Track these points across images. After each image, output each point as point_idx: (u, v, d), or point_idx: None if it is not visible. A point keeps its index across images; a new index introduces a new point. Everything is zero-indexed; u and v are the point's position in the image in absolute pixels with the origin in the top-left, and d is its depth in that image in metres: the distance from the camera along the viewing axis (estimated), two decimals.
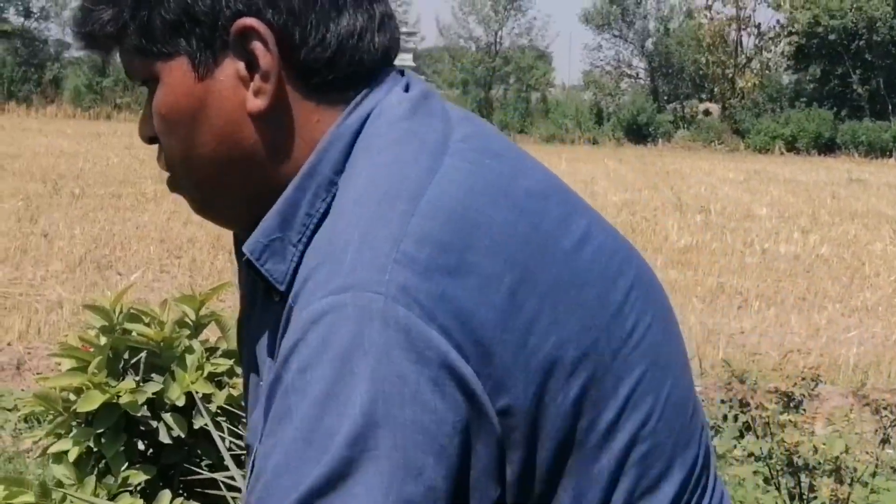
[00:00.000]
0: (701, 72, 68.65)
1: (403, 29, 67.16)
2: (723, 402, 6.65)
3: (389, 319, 1.45)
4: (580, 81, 74.73)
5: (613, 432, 1.62)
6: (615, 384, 1.62)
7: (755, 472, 6.72)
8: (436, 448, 1.44)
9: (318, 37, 1.66)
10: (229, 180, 1.71)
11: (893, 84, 63.56)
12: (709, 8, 68.33)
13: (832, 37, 63.77)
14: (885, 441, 6.66)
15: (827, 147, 58.56)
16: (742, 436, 6.55)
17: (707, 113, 67.33)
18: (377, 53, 1.72)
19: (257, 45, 1.63)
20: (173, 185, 1.78)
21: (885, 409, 6.79)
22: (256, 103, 1.66)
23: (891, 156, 55.69)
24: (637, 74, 71.99)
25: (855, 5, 62.67)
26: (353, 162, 1.65)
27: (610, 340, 1.62)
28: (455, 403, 1.46)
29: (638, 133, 62.23)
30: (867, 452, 6.42)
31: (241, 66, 1.66)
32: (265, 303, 1.72)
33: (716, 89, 68.21)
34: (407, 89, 1.74)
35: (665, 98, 68.51)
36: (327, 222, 1.62)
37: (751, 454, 6.49)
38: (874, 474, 6.48)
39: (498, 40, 69.49)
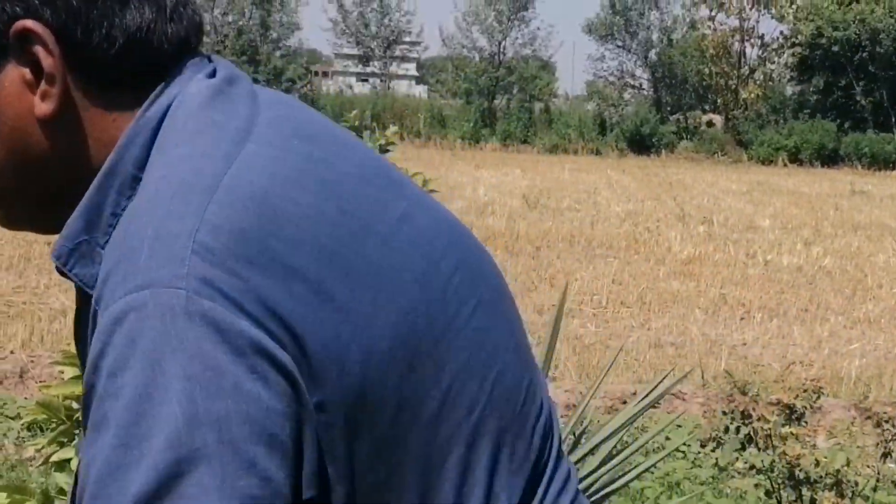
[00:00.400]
0: (704, 83, 68.79)
1: (407, 39, 67.56)
2: (724, 413, 6.66)
3: (194, 314, 1.42)
4: (583, 91, 74.85)
5: (437, 423, 1.61)
6: (437, 372, 1.60)
7: (756, 485, 6.73)
8: (265, 437, 1.42)
9: (101, 33, 1.63)
10: (27, 188, 1.68)
11: (893, 95, 63.64)
12: (712, 19, 68.38)
13: (835, 48, 63.86)
14: (886, 455, 6.67)
15: (830, 159, 58.62)
16: (744, 448, 6.56)
17: (710, 124, 67.42)
18: (172, 44, 1.69)
19: (38, 48, 1.60)
20: None
21: (887, 422, 6.80)
22: (43, 108, 1.62)
23: (894, 168, 55.76)
24: (640, 85, 72.12)
25: (858, 17, 62.78)
26: (152, 157, 1.62)
27: (430, 326, 1.61)
28: (281, 389, 1.44)
29: (641, 144, 62.27)
30: (868, 466, 6.44)
31: (26, 71, 1.62)
32: (85, 305, 1.62)
33: (719, 100, 68.35)
34: (214, 75, 1.71)
35: (668, 109, 68.61)
36: (122, 220, 1.59)
37: (752, 466, 6.51)
38: (875, 488, 6.51)
39: (501, 50, 69.61)
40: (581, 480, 2.71)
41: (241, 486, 1.39)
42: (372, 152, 1.82)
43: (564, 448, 2.78)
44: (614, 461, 2.79)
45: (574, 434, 2.78)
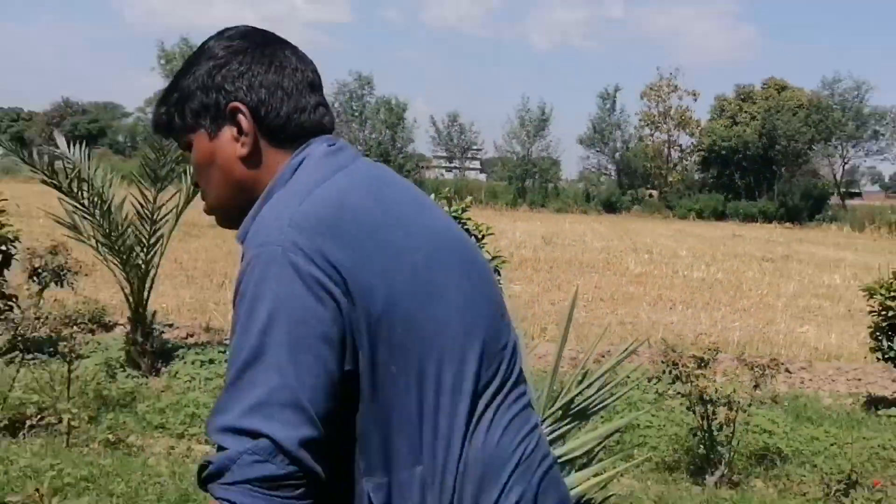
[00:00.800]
0: (647, 172, 68.44)
1: (475, 147, 66.65)
2: (662, 363, 6.69)
3: (284, 261, 1.49)
4: (577, 176, 74.50)
5: (433, 340, 1.57)
6: (432, 308, 1.58)
7: (681, 404, 6.76)
8: (319, 333, 1.48)
9: (275, 113, 1.68)
10: (230, 200, 1.73)
11: (758, 180, 63.44)
12: (651, 135, 68.33)
13: (723, 152, 63.94)
14: (756, 386, 6.68)
15: (720, 216, 58.60)
16: (674, 382, 6.58)
17: (650, 196, 67.06)
18: (311, 125, 1.72)
19: (241, 117, 1.67)
20: (208, 210, 1.80)
21: (756, 367, 6.82)
22: (242, 151, 1.68)
23: (756, 221, 55.39)
24: (610, 173, 71.74)
25: (736, 134, 63.09)
26: (288, 183, 1.66)
27: (428, 282, 1.59)
28: (330, 307, 1.49)
29: (610, 207, 62.22)
30: (745, 392, 6.45)
31: (234, 129, 1.68)
32: None
33: (656, 182, 68.14)
34: (333, 145, 1.72)
35: (626, 186, 68.24)
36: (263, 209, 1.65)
37: (679, 393, 6.53)
38: (749, 405, 6.52)
39: (529, 153, 69.36)
40: (583, 402, 2.80)
41: (301, 358, 1.46)
42: (414, 190, 1.79)
43: (577, 379, 2.83)
44: (603, 390, 2.82)
45: (582, 374, 2.83)
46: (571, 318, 2.84)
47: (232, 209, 1.74)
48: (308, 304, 1.48)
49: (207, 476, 1.44)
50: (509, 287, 8.69)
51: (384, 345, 1.53)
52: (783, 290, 18.63)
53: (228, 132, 1.69)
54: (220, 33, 1.75)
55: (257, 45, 1.73)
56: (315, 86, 1.75)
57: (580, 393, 2.76)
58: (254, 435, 1.41)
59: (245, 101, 1.68)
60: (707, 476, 6.58)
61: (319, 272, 1.49)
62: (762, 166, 64.14)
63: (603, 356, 7.84)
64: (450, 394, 1.57)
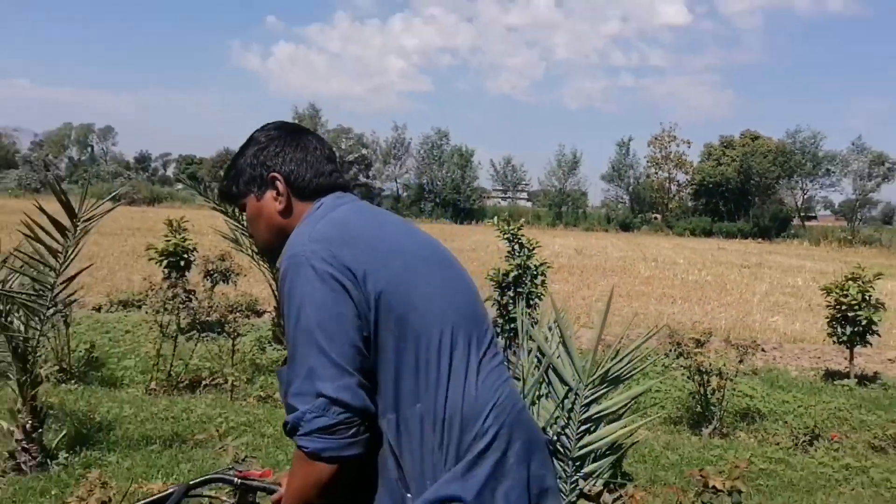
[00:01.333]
0: (653, 200, 67.69)
1: (524, 182, 66.15)
2: (669, 343, 6.59)
3: (307, 265, 1.57)
4: (600, 204, 73.84)
5: (425, 313, 1.60)
6: (420, 291, 1.62)
7: (682, 374, 6.65)
8: (336, 312, 1.54)
9: (302, 178, 1.78)
10: (274, 242, 1.77)
11: (737, 206, 62.39)
12: (656, 173, 67.57)
13: (710, 185, 62.90)
14: (740, 361, 6.54)
15: (708, 233, 57.34)
16: (678, 357, 6.47)
17: (655, 218, 66.12)
18: (329, 184, 1.80)
19: (278, 183, 1.77)
20: (259, 254, 1.93)
21: (739, 347, 6.68)
22: (279, 206, 1.78)
23: (736, 237, 54.26)
24: (625, 202, 70.87)
25: (720, 172, 62.15)
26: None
27: (415, 276, 1.63)
28: (344, 294, 1.55)
29: (626, 227, 61.37)
30: (732, 366, 6.34)
31: (273, 192, 1.78)
32: None
33: (659, 208, 67.23)
34: (341, 196, 1.80)
35: (637, 211, 67.44)
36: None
37: (681, 366, 6.42)
38: (735, 375, 6.40)
39: (564, 186, 68.97)
40: (615, 372, 2.76)
41: (328, 330, 1.52)
42: (403, 221, 1.83)
43: (611, 356, 2.78)
44: (629, 363, 2.78)
45: (615, 352, 2.79)
46: (608, 309, 2.80)
47: (275, 249, 1.77)
48: (325, 292, 1.54)
49: (289, 431, 1.52)
50: (550, 285, 8.63)
51: (386, 316, 1.57)
52: (757, 289, 18.18)
53: (270, 194, 1.78)
54: (263, 126, 1.86)
55: (288, 132, 1.83)
56: (331, 158, 1.84)
57: (613, 365, 2.73)
58: (312, 395, 1.49)
59: (280, 172, 1.77)
60: (703, 429, 6.46)
61: (332, 269, 1.55)
62: (740, 196, 63.05)
63: (622, 338, 7.75)
64: (437, 352, 1.58)
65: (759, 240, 53.80)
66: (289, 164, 1.77)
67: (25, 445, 4.78)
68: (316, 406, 1.48)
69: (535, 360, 2.79)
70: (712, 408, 6.50)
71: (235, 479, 1.94)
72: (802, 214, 68.19)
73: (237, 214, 8.42)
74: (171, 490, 1.92)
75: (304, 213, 1.75)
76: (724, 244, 43.67)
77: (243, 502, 2.05)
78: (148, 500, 1.85)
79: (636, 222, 63.75)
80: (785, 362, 9.69)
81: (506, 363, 1.80)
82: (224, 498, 2.25)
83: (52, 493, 4.44)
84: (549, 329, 2.99)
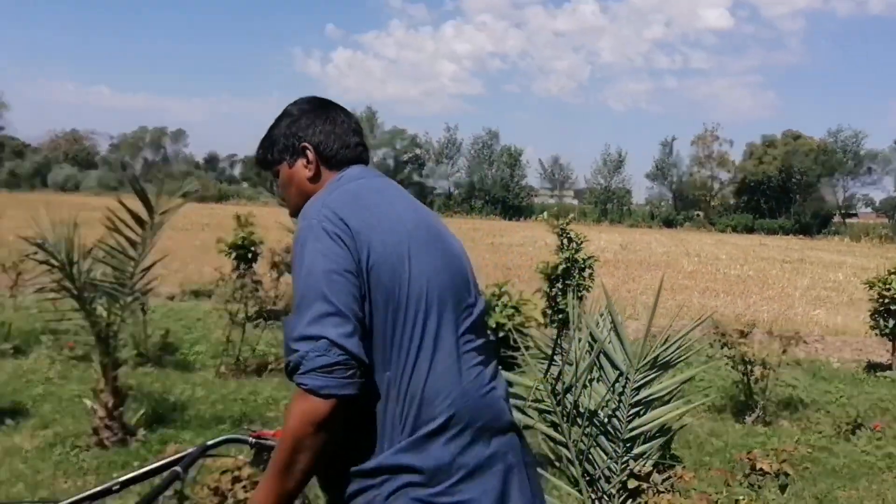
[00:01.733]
0: (696, 198, 66.51)
1: (569, 180, 65.77)
2: (714, 334, 6.45)
3: (319, 227, 1.60)
4: (644, 202, 72.74)
5: (411, 284, 1.62)
6: (409, 265, 1.63)
7: (726, 364, 6.50)
8: (342, 267, 1.55)
9: (330, 148, 1.82)
10: (302, 203, 1.75)
11: (778, 204, 60.82)
12: (698, 171, 66.36)
13: (752, 183, 61.41)
14: (783, 352, 6.39)
15: (750, 230, 55.92)
16: (722, 348, 6.32)
17: (698, 215, 64.89)
18: (354, 156, 1.84)
19: (308, 152, 1.82)
20: (292, 214, 1.86)
21: (783, 338, 6.52)
22: (308, 174, 1.82)
23: (777, 234, 52.92)
24: (668, 199, 69.69)
25: (762, 170, 60.49)
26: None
27: (408, 246, 1.65)
28: (348, 253, 1.57)
29: (669, 223, 60.41)
30: (775, 357, 6.19)
31: (304, 160, 1.82)
32: None
33: (702, 205, 65.98)
34: (363, 169, 1.83)
35: (680, 208, 66.33)
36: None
37: (725, 356, 6.29)
38: (778, 365, 6.24)
39: (609, 184, 68.25)
40: (665, 358, 2.71)
41: (334, 283, 1.53)
42: (408, 196, 1.84)
43: (661, 342, 2.73)
44: (681, 349, 2.75)
45: (665, 339, 2.74)
46: (658, 297, 2.76)
47: (299, 208, 1.80)
48: (334, 249, 1.57)
49: (290, 371, 1.51)
50: (596, 279, 8.55)
51: (374, 285, 1.58)
52: (799, 284, 17.73)
53: (300, 162, 1.83)
54: (296, 101, 1.90)
55: (318, 106, 1.87)
56: (357, 131, 1.87)
57: (662, 351, 2.69)
58: (315, 338, 1.48)
59: (310, 142, 1.82)
60: (746, 417, 6.32)
61: (339, 230, 1.59)
62: (781, 194, 61.51)
63: (669, 328, 7.63)
64: (411, 329, 1.59)
65: (801, 236, 52.41)
66: (318, 135, 1.82)
67: (108, 423, 4.92)
68: (318, 347, 1.48)
69: (587, 345, 2.76)
70: (755, 397, 6.36)
71: (250, 440, 1.96)
72: (843, 212, 66.22)
73: None
74: (190, 450, 1.94)
75: (329, 180, 1.80)
76: (766, 240, 42.65)
77: (258, 461, 2.06)
78: (170, 458, 1.87)
79: (679, 219, 62.68)
80: (827, 354, 9.44)
81: (489, 346, 1.77)
82: (241, 457, 2.27)
83: (133, 465, 4.56)
84: (601, 316, 2.95)
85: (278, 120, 1.87)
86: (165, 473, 1.85)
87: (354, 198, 1.69)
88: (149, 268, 5.00)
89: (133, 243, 4.84)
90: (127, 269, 4.87)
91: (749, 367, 6.20)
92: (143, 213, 4.83)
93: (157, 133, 78.49)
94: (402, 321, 1.59)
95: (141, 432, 5.06)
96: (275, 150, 1.85)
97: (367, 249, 1.59)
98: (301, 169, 1.82)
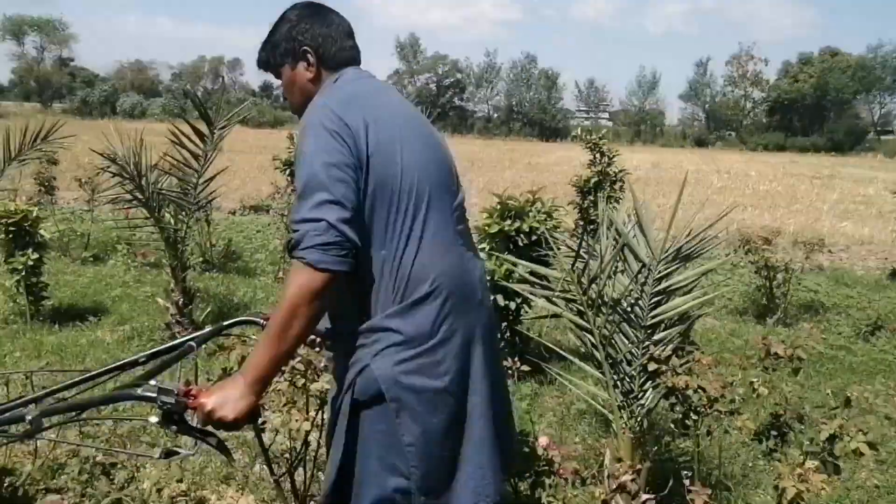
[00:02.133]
0: (728, 118, 64.44)
1: (604, 102, 64.31)
2: (738, 240, 6.36)
3: (319, 125, 1.63)
4: (677, 122, 70.74)
5: (402, 175, 1.68)
6: (399, 157, 1.68)
7: (750, 271, 6.44)
8: (341, 160, 1.59)
9: (328, 51, 1.82)
10: (306, 105, 1.77)
11: (812, 122, 58.52)
12: (732, 91, 64.00)
13: (786, 102, 59.16)
14: (807, 257, 6.32)
15: (782, 149, 54.25)
16: (746, 254, 6.25)
17: (730, 135, 63.02)
18: (348, 58, 1.84)
19: (309, 55, 1.82)
20: (294, 112, 1.88)
21: (806, 245, 6.42)
22: (309, 75, 1.83)
23: (807, 153, 51.20)
24: (701, 119, 67.64)
25: (796, 89, 58.19)
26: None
27: (393, 156, 1.68)
28: (347, 147, 1.61)
29: (701, 143, 58.90)
30: (798, 262, 6.11)
31: (305, 63, 1.83)
32: None
33: (735, 126, 63.94)
34: (358, 71, 1.84)
35: (713, 128, 64.44)
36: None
37: (749, 262, 6.22)
38: (801, 270, 6.17)
39: (643, 105, 66.44)
40: (688, 250, 2.71)
41: (333, 174, 1.58)
42: (400, 96, 1.88)
43: (685, 233, 2.73)
44: (700, 243, 2.73)
45: (689, 230, 2.73)
46: (684, 188, 2.74)
47: (302, 108, 1.82)
48: (333, 144, 1.60)
49: (291, 247, 1.58)
50: (628, 193, 8.45)
51: (371, 174, 1.63)
52: (828, 198, 17.26)
53: (302, 65, 1.83)
54: (293, 7, 1.88)
55: (315, 11, 1.86)
56: (350, 34, 1.87)
57: (686, 243, 2.69)
58: (316, 220, 1.55)
59: (310, 45, 1.82)
60: (767, 319, 6.30)
61: (338, 127, 1.62)
62: (815, 112, 59.23)
63: (692, 222, 7.57)
64: (404, 213, 1.67)
65: (833, 154, 50.64)
66: (317, 38, 1.82)
67: (178, 319, 5.13)
68: (317, 227, 1.56)
69: (613, 241, 2.77)
70: (777, 301, 6.32)
71: (262, 321, 2.02)
72: (879, 129, 63.54)
73: None
74: (208, 329, 2.04)
75: (327, 81, 1.82)
76: (797, 158, 41.38)
77: None
78: (190, 337, 1.96)
79: (711, 139, 61.08)
80: (851, 262, 9.27)
81: (468, 232, 1.87)
82: (254, 336, 2.35)
83: (201, 355, 4.78)
84: (627, 216, 2.95)
85: (277, 25, 1.87)
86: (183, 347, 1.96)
87: (352, 97, 1.71)
88: (210, 179, 5.10)
89: (195, 156, 4.93)
90: (190, 180, 4.97)
91: (771, 272, 6.14)
92: (204, 129, 4.90)
93: (216, 62, 78.44)
94: (395, 207, 1.66)
95: (208, 327, 5.25)
96: (276, 54, 1.86)
97: (366, 144, 1.63)
98: (302, 72, 1.83)
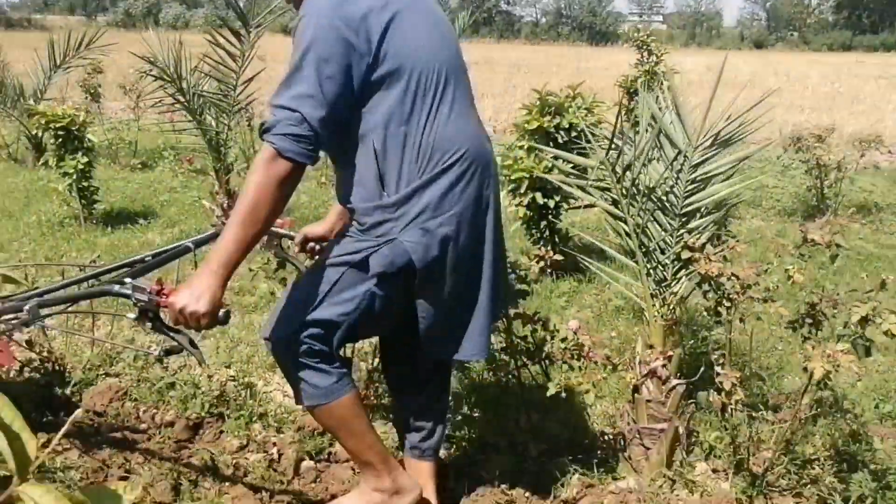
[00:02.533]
0: (790, 17, 61.12)
1: (657, 4, 61.50)
2: (789, 138, 6.14)
3: (317, 18, 1.62)
4: (735, 24, 67.38)
5: (416, 65, 1.70)
6: (407, 48, 1.68)
7: (801, 171, 6.23)
8: (334, 58, 1.61)
9: None
10: None
11: (882, 18, 54.99)
12: None
13: None
14: (862, 155, 6.09)
15: (848, 48, 51.41)
16: (797, 153, 6.04)
17: (791, 35, 59.84)
18: None
19: None
20: (292, 3, 1.85)
21: (861, 142, 6.18)
22: None
23: (878, 51, 48.39)
24: (761, 19, 64.30)
25: None
26: None
27: (405, 40, 1.68)
28: (345, 46, 1.62)
29: (759, 45, 56.06)
30: (853, 160, 5.87)
31: None
32: None
33: (798, 25, 60.64)
34: None
35: (773, 28, 61.29)
36: None
37: (801, 160, 6.01)
38: (855, 170, 5.95)
39: (699, 5, 63.39)
40: (726, 135, 2.64)
41: (322, 69, 1.60)
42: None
43: (724, 117, 2.67)
44: (740, 127, 2.66)
45: (728, 115, 2.66)
46: (722, 71, 2.65)
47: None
48: (330, 40, 1.61)
49: (263, 130, 1.63)
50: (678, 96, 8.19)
51: (386, 60, 1.66)
52: (892, 99, 16.41)
53: None
54: None
55: None
56: None
57: (725, 127, 2.63)
58: (292, 110, 1.60)
59: None
60: (816, 219, 6.15)
61: (338, 21, 1.61)
62: (887, 6, 55.58)
63: (730, 105, 7.35)
64: (423, 90, 1.71)
65: None
66: None
67: (224, 221, 5.23)
68: (292, 117, 1.60)
69: (649, 127, 2.71)
70: (828, 201, 6.14)
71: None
72: None
73: None
74: (210, 233, 2.14)
75: None
76: (864, 58, 39.07)
77: (270, 245, 2.29)
78: (191, 239, 2.05)
79: (771, 40, 58.14)
80: None
81: (475, 104, 1.92)
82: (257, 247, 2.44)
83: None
84: (665, 104, 2.87)
85: None
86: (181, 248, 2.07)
87: None
88: (249, 80, 5.12)
89: (233, 56, 4.94)
90: (230, 81, 5.00)
91: (824, 171, 5.94)
92: (241, 30, 4.89)
93: None
94: (414, 85, 1.70)
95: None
96: None
97: (374, 32, 1.65)
98: None
